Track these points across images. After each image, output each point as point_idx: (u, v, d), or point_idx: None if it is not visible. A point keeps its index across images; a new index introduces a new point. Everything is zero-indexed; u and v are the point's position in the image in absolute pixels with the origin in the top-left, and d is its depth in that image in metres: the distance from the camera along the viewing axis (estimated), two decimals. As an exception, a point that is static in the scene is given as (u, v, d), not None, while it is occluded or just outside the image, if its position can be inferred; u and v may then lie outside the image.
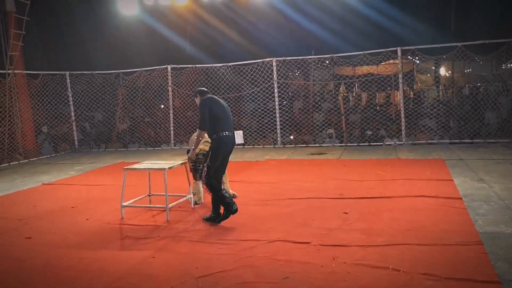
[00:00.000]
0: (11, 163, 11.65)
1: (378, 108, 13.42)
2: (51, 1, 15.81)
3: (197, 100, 5.65)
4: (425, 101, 13.86)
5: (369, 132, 12.50)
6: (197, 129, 5.47)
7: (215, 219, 5.48)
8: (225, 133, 5.41)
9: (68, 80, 13.73)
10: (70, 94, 13.81)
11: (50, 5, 15.77)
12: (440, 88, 14.83)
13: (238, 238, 4.87)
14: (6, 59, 11.83)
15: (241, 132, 5.99)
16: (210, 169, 5.41)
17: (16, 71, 12.00)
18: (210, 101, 5.48)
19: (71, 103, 13.87)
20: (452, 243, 4.35)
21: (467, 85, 14.52)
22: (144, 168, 6.03)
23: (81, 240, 5.13)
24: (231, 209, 5.40)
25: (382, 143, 11.85)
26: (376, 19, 14.27)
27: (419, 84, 16.04)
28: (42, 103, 12.86)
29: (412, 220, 5.21)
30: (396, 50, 11.55)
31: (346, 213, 5.63)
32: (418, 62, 15.11)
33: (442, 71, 17.21)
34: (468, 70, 16.30)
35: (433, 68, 16.64)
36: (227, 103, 5.83)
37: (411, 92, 14.17)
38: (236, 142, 5.82)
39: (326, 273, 3.89)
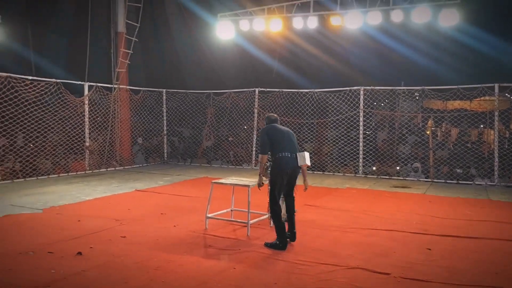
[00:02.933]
0: (108, 169, 12.75)
1: (469, 145, 12.74)
2: (155, 25, 17.25)
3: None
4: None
5: (459, 170, 11.89)
6: (259, 155, 5.67)
7: (278, 245, 5.39)
8: (283, 153, 5.48)
9: (164, 97, 14.82)
10: (165, 110, 14.87)
11: (153, 28, 17.21)
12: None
13: (317, 261, 4.93)
14: (114, 75, 13.11)
15: (306, 153, 5.75)
16: (272, 194, 5.51)
17: (121, 86, 13.22)
18: (269, 128, 5.68)
19: (164, 118, 14.92)
20: (548, 294, 4.06)
21: None
22: (230, 183, 6.34)
23: (170, 244, 5.51)
24: (281, 244, 5.36)
25: (472, 182, 11.21)
26: (477, 48, 13.55)
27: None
28: (140, 117, 13.97)
29: (501, 263, 4.93)
30: (494, 87, 11.00)
31: (430, 249, 5.45)
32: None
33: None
34: None
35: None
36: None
37: (507, 132, 13.28)
38: (299, 164, 5.59)
39: (406, 306, 3.83)
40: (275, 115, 6.06)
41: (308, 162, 5.62)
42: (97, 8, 13.98)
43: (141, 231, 6.07)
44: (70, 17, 16.85)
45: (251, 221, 6.10)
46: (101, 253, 5.07)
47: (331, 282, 4.34)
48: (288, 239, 5.53)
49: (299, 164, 5.60)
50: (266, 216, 6.51)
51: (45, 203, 7.83)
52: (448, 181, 11.38)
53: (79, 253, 5.01)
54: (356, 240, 5.83)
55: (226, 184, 6.36)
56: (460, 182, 11.28)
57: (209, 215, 6.36)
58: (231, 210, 6.81)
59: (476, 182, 11.20)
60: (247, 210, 6.07)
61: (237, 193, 6.81)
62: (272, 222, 6.44)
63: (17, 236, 5.75)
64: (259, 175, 5.69)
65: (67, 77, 12.08)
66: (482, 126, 12.93)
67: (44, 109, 11.08)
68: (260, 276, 4.51)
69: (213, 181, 6.43)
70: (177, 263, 4.80)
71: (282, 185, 5.53)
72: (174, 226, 6.40)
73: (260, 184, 5.73)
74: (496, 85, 10.99)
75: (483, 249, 5.50)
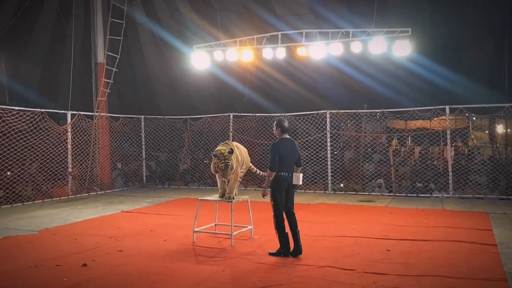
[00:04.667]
0: (90, 194, 13.24)
1: (429, 162, 13.93)
2: (129, 54, 17.98)
3: (275, 131, 6.44)
4: (478, 158, 14.17)
5: (419, 184, 13.04)
6: (268, 170, 6.33)
7: (282, 252, 6.11)
8: (282, 173, 6.23)
9: (142, 124, 15.50)
10: (143, 136, 15.53)
11: (127, 57, 17.92)
12: (495, 146, 15.14)
13: (293, 263, 5.77)
14: (95, 103, 13.75)
15: (300, 175, 6.64)
16: (274, 206, 6.27)
17: (102, 114, 13.84)
18: (280, 146, 6.31)
19: (143, 143, 15.56)
20: (479, 278, 5.04)
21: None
22: (214, 200, 7.13)
23: (163, 254, 6.22)
24: (284, 251, 6.09)
25: (430, 195, 12.34)
26: (429, 78, 14.98)
27: (474, 141, 16.41)
28: (119, 142, 14.57)
29: (447, 259, 5.89)
30: (445, 108, 12.29)
31: (389, 250, 6.37)
32: (474, 118, 15.57)
33: (500, 128, 17.40)
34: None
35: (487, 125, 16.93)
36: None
37: (466, 149, 14.54)
38: (293, 183, 6.39)
39: (367, 292, 4.70)
40: (287, 122, 6.46)
41: (300, 183, 6.43)
42: (75, 39, 14.60)
43: (135, 246, 6.73)
44: (45, 47, 17.44)
45: (235, 232, 6.88)
46: (104, 264, 5.73)
47: (305, 277, 5.17)
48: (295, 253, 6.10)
49: (293, 183, 6.35)
50: (248, 228, 7.30)
51: (38, 225, 8.34)
52: (409, 195, 12.49)
53: (84, 265, 5.66)
54: (326, 246, 6.69)
55: (211, 200, 7.14)
56: (419, 195, 12.40)
57: (196, 229, 7.09)
58: (215, 225, 7.56)
59: (434, 195, 12.35)
60: (229, 224, 6.85)
61: (218, 211, 7.59)
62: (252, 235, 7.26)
63: (21, 254, 6.31)
64: (264, 187, 6.32)
65: (39, 105, 12.41)
66: (442, 143, 14.21)
67: (26, 138, 11.50)
68: (246, 276, 5.28)
69: (200, 198, 7.19)
70: (173, 269, 5.52)
71: (281, 198, 6.24)
72: (165, 240, 7.09)
73: (264, 195, 6.37)
74: (447, 107, 12.30)
75: (434, 249, 6.46)
